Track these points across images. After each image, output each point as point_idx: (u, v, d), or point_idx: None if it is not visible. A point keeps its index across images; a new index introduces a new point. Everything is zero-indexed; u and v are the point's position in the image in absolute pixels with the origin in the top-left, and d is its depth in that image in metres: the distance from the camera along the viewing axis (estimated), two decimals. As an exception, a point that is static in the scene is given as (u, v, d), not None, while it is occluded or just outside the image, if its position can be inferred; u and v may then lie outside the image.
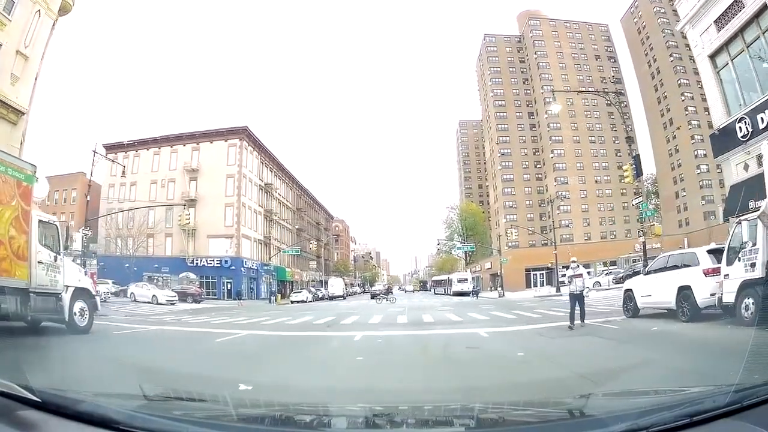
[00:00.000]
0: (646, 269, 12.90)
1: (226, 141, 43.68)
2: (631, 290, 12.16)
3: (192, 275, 38.24)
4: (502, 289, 35.95)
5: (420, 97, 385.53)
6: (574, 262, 10.54)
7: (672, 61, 68.40)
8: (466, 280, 46.47)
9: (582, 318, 10.07)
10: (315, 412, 2.39)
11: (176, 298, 28.54)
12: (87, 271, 16.45)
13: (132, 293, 29.24)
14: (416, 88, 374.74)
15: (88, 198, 29.08)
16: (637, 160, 20.18)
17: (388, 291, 34.63)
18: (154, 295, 27.78)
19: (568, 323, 10.03)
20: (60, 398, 1.69)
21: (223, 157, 43.22)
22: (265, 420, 2.10)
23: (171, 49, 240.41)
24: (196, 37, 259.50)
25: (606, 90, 78.75)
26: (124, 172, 36.07)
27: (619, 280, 30.92)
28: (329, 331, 11.87)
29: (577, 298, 10.06)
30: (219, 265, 40.40)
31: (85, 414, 1.56)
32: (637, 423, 1.40)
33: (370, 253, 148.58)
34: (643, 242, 21.28)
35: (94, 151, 25.35)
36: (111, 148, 46.64)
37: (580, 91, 57.25)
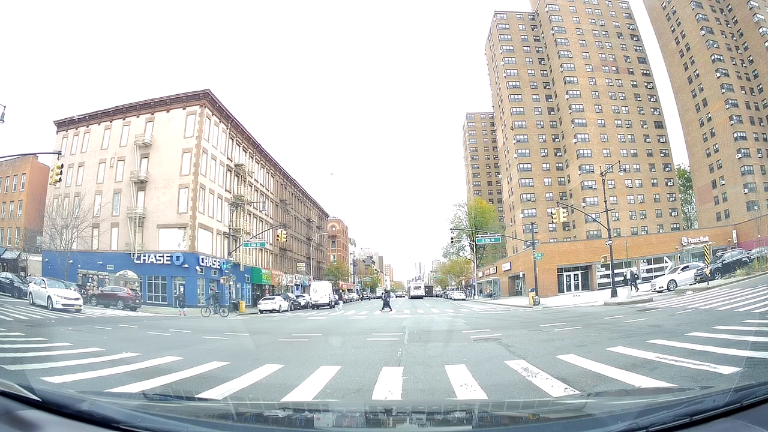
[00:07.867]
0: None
1: (184, 109, 35.27)
2: None
3: (131, 274, 29.92)
4: (537, 294, 26.54)
5: (425, 95, 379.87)
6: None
7: (704, 35, 60.41)
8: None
9: None
10: (315, 410, 2.37)
11: (79, 301, 20.47)
12: None
13: (31, 293, 22.13)
14: (421, 85, 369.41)
15: None
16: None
17: (385, 303, 26.65)
18: (48, 297, 19.97)
19: None
20: (60, 398, 1.63)
21: (181, 128, 34.79)
22: (265, 419, 2.03)
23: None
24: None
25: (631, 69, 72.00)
26: (60, 159, 28.22)
27: (705, 277, 22.51)
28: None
29: None
30: (169, 262, 31.65)
31: (86, 413, 1.52)
32: (637, 422, 1.38)
33: (371, 257, 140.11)
34: None
35: None
36: (62, 125, 40.33)
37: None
